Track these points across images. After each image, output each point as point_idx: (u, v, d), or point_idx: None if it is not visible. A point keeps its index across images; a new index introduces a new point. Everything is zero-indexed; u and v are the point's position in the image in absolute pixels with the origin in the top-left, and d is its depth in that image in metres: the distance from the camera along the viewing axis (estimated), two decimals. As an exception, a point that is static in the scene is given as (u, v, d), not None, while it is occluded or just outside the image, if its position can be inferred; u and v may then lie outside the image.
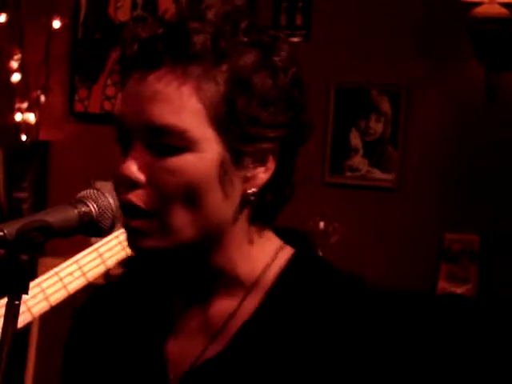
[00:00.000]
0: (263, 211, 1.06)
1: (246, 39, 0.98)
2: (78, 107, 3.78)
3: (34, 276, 1.38)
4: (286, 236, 1.12)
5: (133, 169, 0.98)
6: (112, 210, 1.00)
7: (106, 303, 1.21)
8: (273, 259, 1.09)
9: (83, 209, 0.97)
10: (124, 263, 1.61)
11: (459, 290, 3.16)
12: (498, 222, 3.21)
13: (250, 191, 1.02)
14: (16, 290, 0.87)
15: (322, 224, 3.05)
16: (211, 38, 0.97)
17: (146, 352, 1.14)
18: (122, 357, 1.15)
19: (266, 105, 0.98)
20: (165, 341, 1.13)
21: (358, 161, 3.27)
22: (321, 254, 2.78)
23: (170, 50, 0.97)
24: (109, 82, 3.65)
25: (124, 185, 0.98)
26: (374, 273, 2.76)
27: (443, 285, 3.16)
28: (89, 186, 2.22)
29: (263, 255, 1.10)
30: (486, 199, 3.22)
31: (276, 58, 0.98)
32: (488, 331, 3.06)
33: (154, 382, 1.11)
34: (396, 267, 3.26)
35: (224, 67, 0.98)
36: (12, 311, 0.88)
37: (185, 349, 1.12)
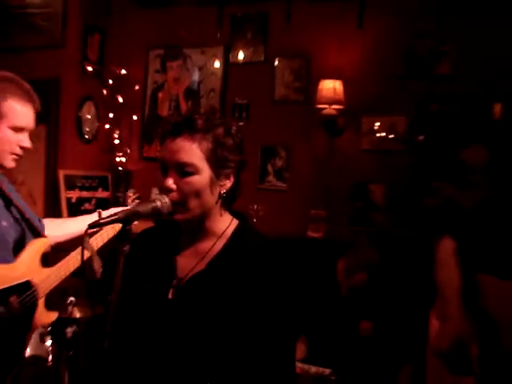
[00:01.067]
0: (227, 201, 1.79)
1: (218, 121, 1.73)
2: (145, 154, 5.54)
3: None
4: (236, 214, 1.87)
5: (170, 183, 1.69)
6: (168, 205, 1.68)
7: (148, 236, 1.94)
8: (230, 223, 1.83)
9: (154, 204, 1.66)
10: (154, 221, 1.97)
11: (317, 235, 4.76)
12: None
13: (222, 192, 1.75)
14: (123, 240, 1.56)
15: (255, 206, 4.47)
16: (204, 121, 1.70)
17: (165, 263, 1.83)
18: (153, 264, 1.84)
19: (230, 151, 1.72)
20: (175, 258, 1.82)
21: (270, 178, 5.09)
22: (254, 220, 4.15)
23: (186, 127, 1.68)
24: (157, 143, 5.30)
25: (166, 191, 1.69)
26: (278, 231, 3.50)
27: (310, 233, 4.78)
28: (150, 191, 4.60)
29: (226, 221, 1.83)
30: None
31: (232, 130, 1.76)
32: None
33: (167, 282, 1.78)
34: (287, 227, 4.68)
35: (211, 134, 1.70)
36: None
37: (185, 265, 1.80)
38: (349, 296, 3.45)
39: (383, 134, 4.77)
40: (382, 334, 3.44)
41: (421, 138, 4.64)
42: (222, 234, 1.79)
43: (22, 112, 2.25)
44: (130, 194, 3.31)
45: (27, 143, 2.30)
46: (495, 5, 4.45)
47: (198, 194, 1.69)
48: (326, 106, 4.69)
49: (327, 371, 3.19)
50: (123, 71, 5.45)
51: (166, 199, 1.66)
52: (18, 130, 2.26)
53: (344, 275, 3.40)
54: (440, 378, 2.15)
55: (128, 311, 1.77)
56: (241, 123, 4.88)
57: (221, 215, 1.79)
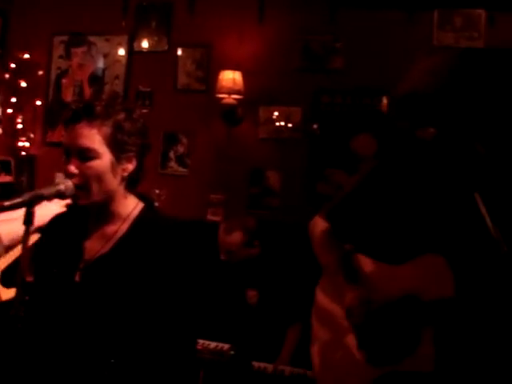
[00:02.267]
0: (131, 183, 1.84)
1: (119, 107, 1.78)
2: (49, 139, 5.49)
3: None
4: (141, 196, 1.92)
5: (72, 168, 1.74)
6: (71, 188, 1.73)
7: (59, 221, 1.99)
8: (135, 206, 1.88)
9: (57, 187, 1.71)
10: (67, 206, 2.04)
11: (216, 219, 4.90)
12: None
13: (124, 174, 1.81)
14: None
15: (157, 191, 4.80)
16: (104, 107, 1.75)
17: (73, 247, 1.87)
18: (63, 248, 1.88)
19: (130, 135, 1.78)
20: (83, 242, 1.87)
21: (172, 164, 5.21)
22: (156, 204, 3.35)
23: (85, 114, 1.74)
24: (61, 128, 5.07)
25: (69, 175, 1.73)
26: (179, 214, 3.64)
27: (210, 217, 5.00)
28: (54, 175, 4.56)
29: (131, 204, 1.88)
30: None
31: (134, 115, 1.80)
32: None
33: (74, 265, 1.83)
34: (188, 211, 4.77)
35: (111, 120, 1.75)
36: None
37: (92, 248, 1.85)
38: (233, 267, 3.59)
39: (280, 124, 4.98)
40: (267, 301, 3.54)
41: (315, 126, 4.85)
42: (127, 216, 1.86)
43: None
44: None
45: None
46: (383, 2, 4.81)
47: (99, 177, 1.76)
48: (226, 95, 4.85)
49: (226, 346, 3.29)
50: (26, 56, 5.43)
51: (70, 182, 1.73)
52: None
53: (223, 235, 3.52)
54: (327, 354, 2.22)
55: (39, 294, 1.83)
56: (144, 110, 4.80)
57: (125, 198, 1.86)
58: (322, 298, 2.25)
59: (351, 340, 2.09)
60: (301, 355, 3.17)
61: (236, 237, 3.56)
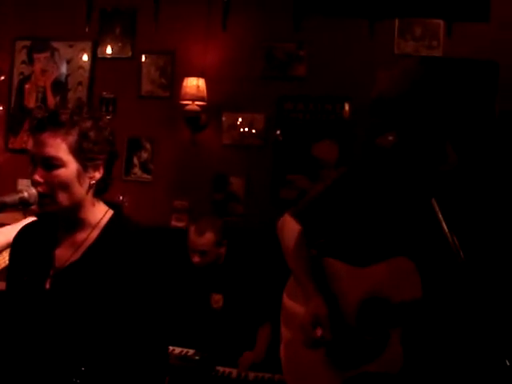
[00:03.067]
0: (99, 191, 1.85)
1: (86, 116, 1.78)
2: (11, 145, 5.37)
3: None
4: (110, 204, 1.93)
5: (37, 177, 1.74)
6: (35, 196, 1.73)
7: (30, 229, 1.98)
8: (104, 213, 1.88)
9: (21, 195, 1.72)
10: (37, 214, 1.99)
11: (180, 225, 4.97)
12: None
13: (92, 182, 1.81)
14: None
15: (121, 197, 4.69)
16: (69, 116, 1.75)
17: (44, 255, 1.86)
18: (33, 256, 1.88)
19: (96, 144, 1.77)
20: (53, 250, 1.86)
21: (136, 170, 5.22)
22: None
23: (50, 122, 1.74)
24: (25, 136, 5.10)
25: (34, 184, 1.73)
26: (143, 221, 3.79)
27: (174, 223, 5.03)
28: (16, 182, 4.59)
29: (100, 211, 1.88)
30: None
31: (101, 123, 1.80)
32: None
33: (45, 273, 1.82)
34: (152, 217, 4.75)
35: (77, 128, 1.75)
36: None
37: (62, 255, 1.84)
38: (198, 271, 3.61)
39: (243, 130, 5.07)
40: (232, 305, 3.56)
41: (278, 132, 4.91)
42: (97, 224, 1.86)
43: None
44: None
45: None
46: (346, 11, 4.91)
47: (65, 186, 1.76)
48: (190, 102, 4.88)
49: (191, 351, 3.24)
50: (-13, 61, 5.35)
51: (33, 190, 1.72)
52: None
53: (195, 236, 3.55)
54: (291, 348, 2.29)
55: (11, 303, 1.86)
56: (108, 117, 4.97)
57: (94, 205, 1.87)
58: (288, 301, 2.31)
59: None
60: (268, 359, 3.22)
61: (208, 237, 3.57)
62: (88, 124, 1.78)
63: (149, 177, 5.20)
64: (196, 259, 3.61)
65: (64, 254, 1.84)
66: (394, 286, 2.01)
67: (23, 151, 1.78)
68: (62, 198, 1.76)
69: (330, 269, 2.20)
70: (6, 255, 2.40)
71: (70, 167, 1.75)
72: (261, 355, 3.37)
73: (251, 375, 3.14)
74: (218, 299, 3.63)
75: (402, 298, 1.96)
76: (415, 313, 1.98)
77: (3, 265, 2.50)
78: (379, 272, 2.06)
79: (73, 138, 1.75)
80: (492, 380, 1.86)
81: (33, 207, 1.81)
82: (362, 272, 2.13)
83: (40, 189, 1.74)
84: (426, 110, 1.92)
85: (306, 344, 2.12)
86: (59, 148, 1.73)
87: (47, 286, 1.81)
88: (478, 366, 1.92)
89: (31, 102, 5.40)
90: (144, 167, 5.23)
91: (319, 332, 2.06)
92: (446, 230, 1.73)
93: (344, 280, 2.15)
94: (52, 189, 1.75)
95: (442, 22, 4.78)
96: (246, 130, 5.03)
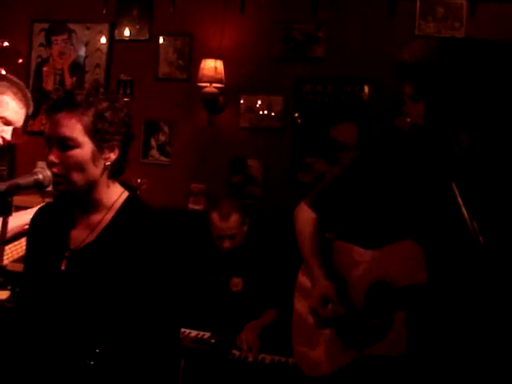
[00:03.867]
0: (114, 172, 1.86)
1: (102, 97, 1.79)
2: (29, 128, 5.18)
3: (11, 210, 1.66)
4: (124, 185, 1.93)
5: (52, 157, 1.74)
6: (49, 178, 1.73)
7: (46, 211, 2.00)
8: (119, 195, 1.89)
9: (35, 177, 1.71)
10: (54, 197, 1.99)
11: (197, 207, 4.94)
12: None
13: (107, 163, 1.82)
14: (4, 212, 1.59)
15: (138, 180, 4.62)
16: (85, 97, 1.76)
17: (60, 236, 1.88)
18: (49, 238, 1.90)
19: (112, 125, 1.78)
20: (69, 231, 1.89)
21: (154, 153, 5.19)
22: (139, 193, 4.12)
23: (66, 103, 1.75)
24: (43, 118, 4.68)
25: (49, 165, 1.74)
26: (160, 204, 3.73)
27: (191, 206, 4.99)
28: (35, 165, 3.77)
29: (115, 193, 1.89)
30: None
31: (117, 104, 1.81)
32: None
33: (60, 254, 1.84)
34: (169, 200, 4.77)
35: (93, 109, 1.76)
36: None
37: (77, 237, 1.87)
38: (218, 255, 3.60)
39: (261, 113, 5.02)
40: (251, 288, 3.55)
41: (296, 115, 4.86)
42: (112, 205, 1.87)
43: (14, 109, 2.41)
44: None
45: (8, 136, 2.43)
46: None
47: (80, 166, 1.77)
48: (207, 84, 4.83)
49: (207, 334, 3.24)
50: (6, 43, 5.35)
51: (48, 172, 1.73)
52: (6, 122, 2.41)
53: (221, 222, 3.54)
54: (302, 326, 2.31)
55: (28, 284, 1.88)
56: (125, 99, 4.83)
57: (109, 187, 1.88)
58: (302, 277, 2.35)
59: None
60: (280, 343, 3.13)
61: (234, 219, 3.55)
62: (104, 105, 1.77)
63: (166, 159, 5.18)
64: (226, 245, 3.58)
65: (79, 236, 1.85)
66: (400, 269, 2.01)
67: (41, 133, 1.80)
68: (77, 178, 1.76)
69: (341, 252, 2.22)
70: (23, 243, 2.41)
71: (85, 148, 1.76)
72: (252, 328, 3.32)
73: (267, 359, 3.13)
74: (237, 282, 3.62)
75: (407, 282, 1.97)
76: (419, 297, 1.98)
77: (21, 253, 2.51)
78: (387, 255, 2.07)
79: (88, 118, 1.75)
80: (494, 369, 1.87)
81: (48, 189, 1.80)
82: (371, 254, 2.14)
83: (55, 169, 1.74)
84: (451, 85, 1.91)
85: (319, 325, 2.13)
86: (74, 128, 1.73)
87: (63, 267, 1.82)
88: (484, 355, 1.93)
89: (49, 85, 5.41)
90: (161, 150, 5.20)
91: (330, 308, 2.07)
92: (466, 215, 1.69)
93: (353, 263, 2.17)
94: (67, 169, 1.75)
95: (465, 3, 4.67)
96: (265, 112, 4.99)
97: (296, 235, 2.28)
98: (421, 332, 1.98)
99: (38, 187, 1.72)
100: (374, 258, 2.11)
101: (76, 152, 1.75)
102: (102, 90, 1.82)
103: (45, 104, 1.79)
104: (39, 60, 5.49)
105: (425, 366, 2.00)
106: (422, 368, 2.00)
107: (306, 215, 2.26)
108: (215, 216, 3.61)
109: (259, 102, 5.04)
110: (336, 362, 2.15)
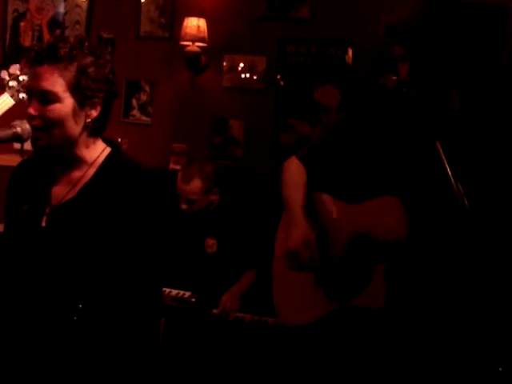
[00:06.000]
0: (96, 130, 1.85)
1: (87, 51, 1.74)
2: None
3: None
4: (107, 142, 1.92)
5: (31, 110, 1.72)
6: (28, 131, 1.70)
7: (26, 167, 1.97)
8: (102, 151, 1.88)
9: (14, 130, 1.68)
10: (34, 151, 1.95)
11: (178, 168, 4.42)
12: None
13: (88, 120, 1.80)
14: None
15: (119, 139, 4.68)
16: (69, 50, 1.71)
17: (40, 192, 1.86)
18: (30, 193, 1.87)
19: (95, 81, 1.75)
20: (50, 188, 1.87)
21: (135, 112, 5.16)
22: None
23: (48, 56, 1.71)
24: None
25: (29, 118, 1.71)
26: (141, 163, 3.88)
27: (172, 166, 4.91)
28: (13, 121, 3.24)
29: (97, 150, 1.88)
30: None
31: (101, 61, 1.77)
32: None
33: (41, 210, 1.83)
34: (151, 159, 4.57)
35: (75, 64, 1.72)
36: None
37: (58, 193, 1.85)
38: (193, 216, 3.58)
39: (244, 73, 4.97)
40: (226, 249, 3.56)
41: (278, 77, 4.82)
42: (94, 161, 1.85)
43: None
44: (5, 75, 2.69)
45: None
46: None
47: (59, 122, 1.74)
48: (190, 43, 4.75)
49: (187, 294, 3.31)
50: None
51: (27, 125, 1.70)
52: None
53: (181, 184, 3.49)
54: (283, 277, 2.34)
55: (8, 240, 1.87)
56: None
57: (90, 144, 1.86)
58: (281, 233, 2.33)
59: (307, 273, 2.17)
60: (259, 303, 3.22)
61: (195, 184, 3.48)
62: (88, 60, 1.74)
63: (147, 119, 5.13)
64: (183, 206, 3.56)
65: (60, 192, 1.84)
66: (381, 224, 2.04)
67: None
68: (56, 133, 1.75)
69: (322, 204, 2.23)
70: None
71: (66, 103, 1.73)
72: (234, 293, 3.35)
73: (247, 318, 3.15)
74: (211, 244, 3.62)
75: (387, 237, 2.00)
76: (399, 252, 2.01)
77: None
78: (369, 210, 2.09)
79: (71, 73, 1.72)
80: (469, 324, 1.93)
81: (28, 148, 1.81)
82: (353, 208, 2.16)
83: (34, 122, 1.71)
84: (437, 46, 1.91)
85: (292, 266, 2.13)
86: (56, 83, 1.70)
87: (43, 223, 1.81)
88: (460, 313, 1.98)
89: (27, 41, 5.29)
90: (143, 109, 5.14)
91: (307, 255, 2.07)
92: (451, 176, 1.70)
93: (335, 215, 2.19)
94: (46, 124, 1.73)
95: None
96: (247, 73, 4.96)
97: (282, 184, 2.27)
98: (399, 286, 2.02)
99: (17, 140, 1.69)
100: (356, 212, 2.14)
101: (56, 106, 1.72)
102: (86, 44, 1.78)
103: (23, 61, 1.81)
104: (16, 14, 5.36)
105: (402, 320, 2.04)
106: (400, 322, 2.04)
107: (295, 167, 2.26)
108: (179, 175, 3.59)
109: (242, 63, 4.98)
110: (316, 313, 2.18)
